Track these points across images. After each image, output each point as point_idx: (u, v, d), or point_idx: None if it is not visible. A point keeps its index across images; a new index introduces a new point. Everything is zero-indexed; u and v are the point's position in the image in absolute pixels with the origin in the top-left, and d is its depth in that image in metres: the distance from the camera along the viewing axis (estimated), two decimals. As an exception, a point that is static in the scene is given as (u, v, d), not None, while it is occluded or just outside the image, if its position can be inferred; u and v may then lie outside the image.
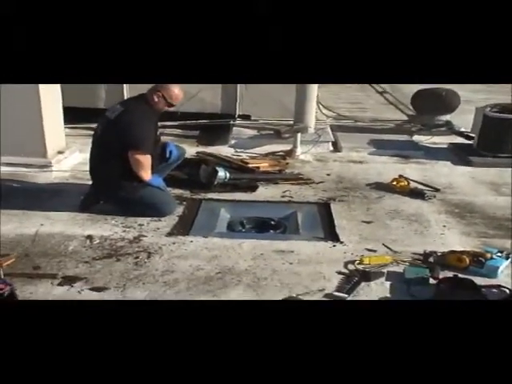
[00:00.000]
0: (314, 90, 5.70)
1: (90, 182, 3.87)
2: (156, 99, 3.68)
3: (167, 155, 4.01)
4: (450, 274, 2.95)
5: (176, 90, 3.71)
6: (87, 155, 3.90)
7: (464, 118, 6.18)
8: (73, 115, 5.41)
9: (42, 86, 4.36)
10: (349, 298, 2.75)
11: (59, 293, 2.75)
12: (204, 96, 5.95)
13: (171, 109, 3.88)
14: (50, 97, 4.57)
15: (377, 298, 2.78)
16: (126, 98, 5.92)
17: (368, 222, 3.79)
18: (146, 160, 3.63)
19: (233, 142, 5.83)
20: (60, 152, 4.78)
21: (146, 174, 3.67)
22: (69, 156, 4.86)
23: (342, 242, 3.43)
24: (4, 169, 4.51)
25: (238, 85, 6.07)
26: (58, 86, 4.72)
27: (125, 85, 6.00)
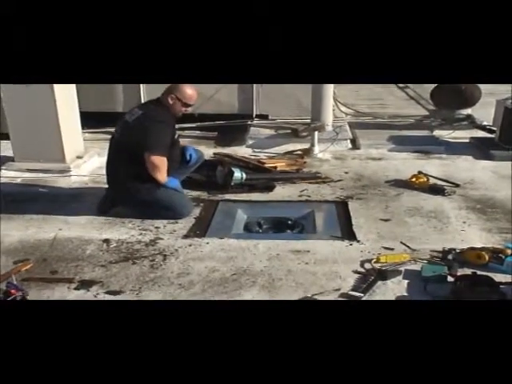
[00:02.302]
0: (330, 87, 5.65)
1: (107, 186, 3.91)
2: (171, 101, 3.70)
3: (187, 158, 4.02)
4: (469, 272, 2.89)
5: (189, 91, 3.72)
6: (106, 159, 3.93)
7: (486, 111, 6.05)
8: (91, 120, 5.48)
9: (57, 92, 4.43)
10: (365, 298, 2.72)
11: (75, 297, 2.77)
12: (221, 97, 5.97)
13: (189, 110, 3.87)
14: (67, 102, 4.65)
15: (393, 297, 2.74)
16: (143, 101, 6.01)
17: (386, 220, 3.74)
18: (161, 163, 3.64)
19: (250, 142, 5.83)
20: (79, 157, 4.85)
21: (162, 177, 3.68)
22: (87, 160, 4.92)
23: (358, 241, 3.40)
24: (25, 175, 4.61)
25: (255, 84, 6.07)
26: (74, 92, 4.80)
27: (142, 88, 6.05)
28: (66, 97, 4.60)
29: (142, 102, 5.98)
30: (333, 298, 2.72)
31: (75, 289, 2.86)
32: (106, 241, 3.43)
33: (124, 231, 3.58)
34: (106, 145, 4.04)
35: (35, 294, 2.76)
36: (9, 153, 4.85)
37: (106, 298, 2.76)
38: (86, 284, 2.90)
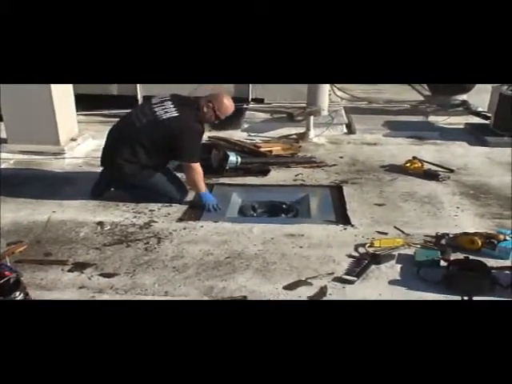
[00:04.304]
0: (326, 72, 5.62)
1: (101, 169, 3.89)
2: (206, 109, 3.68)
3: None
4: (462, 256, 2.91)
5: (227, 102, 3.71)
6: (100, 142, 3.90)
7: (481, 98, 6.04)
8: (86, 102, 5.44)
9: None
10: (358, 281, 2.74)
11: (69, 279, 2.78)
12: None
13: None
14: (61, 84, 4.59)
15: (386, 281, 2.75)
16: (138, 85, 5.99)
17: (380, 205, 3.75)
18: (199, 169, 3.70)
19: (246, 125, 5.81)
20: (73, 139, 4.83)
21: (203, 185, 3.75)
22: (82, 143, 4.91)
23: (353, 225, 3.40)
24: (18, 157, 4.58)
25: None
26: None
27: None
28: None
29: (138, 84, 5.98)
30: (327, 282, 2.74)
31: (69, 271, 2.86)
32: (100, 223, 3.42)
33: (118, 214, 3.57)
34: (101, 127, 4.05)
35: (29, 275, 2.76)
36: (2, 134, 4.81)
37: (99, 280, 2.76)
38: (79, 266, 2.90)
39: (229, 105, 3.73)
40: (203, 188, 3.75)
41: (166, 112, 3.60)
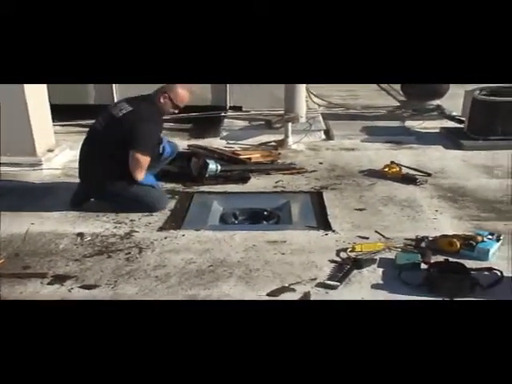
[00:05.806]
0: (303, 79, 5.66)
1: (79, 180, 3.85)
2: (162, 101, 3.68)
3: (160, 151, 3.98)
4: (442, 259, 2.95)
5: (182, 92, 3.71)
6: (78, 152, 3.86)
7: (454, 102, 6.15)
8: (62, 112, 5.39)
9: (27, 85, 4.33)
10: (341, 286, 2.75)
11: (49, 292, 2.73)
12: (194, 88, 5.89)
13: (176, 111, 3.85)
14: (36, 94, 4.55)
15: (369, 285, 2.77)
16: (115, 94, 5.96)
17: (360, 210, 3.78)
18: (144, 161, 3.62)
19: (224, 133, 5.82)
20: (50, 150, 4.78)
21: (141, 175, 3.66)
22: (59, 154, 4.85)
23: (334, 231, 3.42)
24: (-6, 169, 4.51)
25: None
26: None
27: (113, 80, 5.96)
28: (35, 88, 4.50)
29: (115, 94, 5.95)
30: (310, 288, 2.75)
31: (48, 284, 2.81)
32: (80, 234, 3.38)
33: (98, 224, 3.54)
34: (78, 138, 4.00)
35: (7, 289, 2.71)
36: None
37: (80, 292, 2.73)
38: (59, 279, 2.85)
39: (184, 93, 3.73)
40: (142, 177, 3.67)
41: (121, 110, 3.62)
